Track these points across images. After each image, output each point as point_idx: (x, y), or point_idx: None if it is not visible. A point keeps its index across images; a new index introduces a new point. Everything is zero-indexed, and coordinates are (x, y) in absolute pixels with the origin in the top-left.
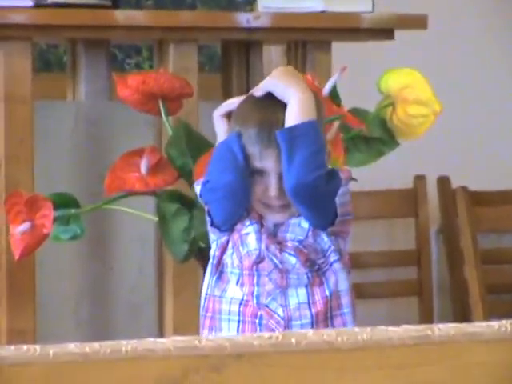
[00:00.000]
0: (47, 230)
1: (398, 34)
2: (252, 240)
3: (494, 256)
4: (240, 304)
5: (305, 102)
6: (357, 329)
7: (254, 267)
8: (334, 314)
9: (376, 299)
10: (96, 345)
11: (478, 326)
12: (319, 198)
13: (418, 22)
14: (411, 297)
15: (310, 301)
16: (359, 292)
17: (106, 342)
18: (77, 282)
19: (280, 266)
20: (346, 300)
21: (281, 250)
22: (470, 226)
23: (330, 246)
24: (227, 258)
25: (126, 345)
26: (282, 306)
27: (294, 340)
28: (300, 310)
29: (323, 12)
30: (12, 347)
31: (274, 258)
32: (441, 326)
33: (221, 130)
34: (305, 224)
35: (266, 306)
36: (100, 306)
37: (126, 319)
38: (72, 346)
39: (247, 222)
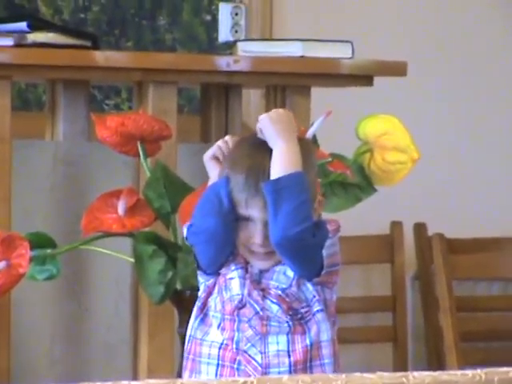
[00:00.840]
0: (23, 269)
1: (377, 80)
2: (235, 285)
3: (468, 303)
4: (219, 348)
5: (287, 152)
6: (331, 375)
7: (235, 312)
8: (314, 364)
9: (351, 344)
10: None
11: (453, 375)
12: (305, 251)
13: (398, 69)
14: (386, 343)
15: (290, 348)
16: None
17: (80, 383)
18: (52, 322)
19: (261, 312)
20: (327, 351)
21: (263, 297)
22: (446, 273)
23: (314, 296)
24: (211, 301)
25: None
26: (261, 352)
27: None
28: (279, 358)
29: (303, 57)
30: None
31: (255, 305)
32: (415, 373)
33: (212, 173)
34: (290, 273)
35: (245, 351)
36: (75, 345)
37: (101, 360)
38: None
39: (232, 267)
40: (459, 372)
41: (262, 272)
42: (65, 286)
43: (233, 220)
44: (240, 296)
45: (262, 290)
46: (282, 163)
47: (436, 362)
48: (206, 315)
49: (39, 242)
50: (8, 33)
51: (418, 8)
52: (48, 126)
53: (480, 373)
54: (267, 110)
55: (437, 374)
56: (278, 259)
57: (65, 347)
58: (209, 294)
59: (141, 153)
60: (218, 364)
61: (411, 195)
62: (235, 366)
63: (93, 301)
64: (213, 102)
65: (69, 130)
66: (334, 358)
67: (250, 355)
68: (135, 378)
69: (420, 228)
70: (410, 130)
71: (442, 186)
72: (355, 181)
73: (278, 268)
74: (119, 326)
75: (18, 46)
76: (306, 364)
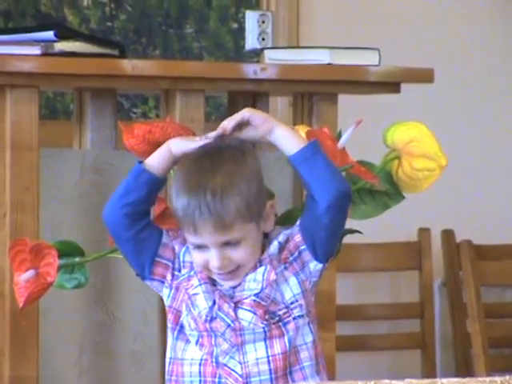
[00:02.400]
0: (52, 278)
1: (404, 87)
2: (201, 300)
3: (497, 310)
4: (199, 364)
5: (290, 129)
6: (360, 382)
7: (209, 327)
8: (294, 370)
9: (379, 351)
10: None
11: (482, 381)
12: (346, 214)
13: (425, 76)
14: (414, 349)
15: (269, 354)
16: (362, 344)
17: None
18: (80, 331)
19: (232, 324)
20: (305, 354)
21: (236, 308)
22: (474, 279)
23: (296, 300)
24: (184, 321)
25: None
26: (240, 363)
27: None
28: (258, 366)
29: (330, 64)
30: None
31: (225, 318)
32: (444, 380)
33: (157, 157)
34: (259, 277)
35: (225, 364)
36: (103, 354)
37: (130, 368)
38: None
39: (195, 283)
40: (488, 378)
41: (233, 287)
42: (93, 294)
43: (140, 219)
44: (206, 309)
45: (237, 302)
46: (294, 137)
47: (464, 368)
48: (180, 333)
49: (67, 250)
50: (35, 42)
51: (445, 15)
52: (75, 135)
53: (509, 379)
54: (294, 117)
55: (465, 380)
56: (245, 272)
57: (93, 356)
58: (177, 314)
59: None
60: (200, 381)
61: (439, 202)
62: (216, 380)
63: (121, 309)
64: (240, 109)
65: (96, 139)
66: (315, 360)
67: (229, 367)
68: None
69: (448, 235)
70: (437, 136)
71: (469, 193)
72: (383, 188)
73: (247, 278)
74: (148, 335)
75: (45, 55)
76: (286, 371)
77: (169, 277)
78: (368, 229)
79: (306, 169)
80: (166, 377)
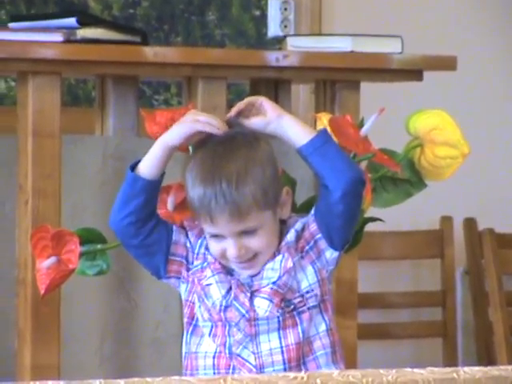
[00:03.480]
0: (73, 265)
1: (426, 74)
2: (214, 291)
3: None
4: (214, 357)
5: (297, 119)
6: (382, 370)
7: (223, 317)
8: (307, 360)
9: (400, 339)
10: (120, 382)
11: (504, 370)
12: (360, 200)
13: (447, 64)
14: (436, 338)
15: (283, 344)
16: (384, 332)
17: (130, 379)
18: (102, 318)
19: (247, 315)
20: (318, 344)
21: (252, 297)
22: (496, 267)
23: (312, 290)
24: (197, 313)
25: (151, 382)
26: (253, 353)
27: (319, 380)
28: (272, 356)
29: (352, 52)
30: (37, 383)
31: (240, 308)
32: (466, 368)
33: (157, 158)
34: (277, 266)
35: (238, 355)
36: (124, 342)
37: (151, 356)
38: (96, 383)
39: (208, 273)
40: (510, 367)
41: (252, 276)
42: (115, 281)
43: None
44: (220, 299)
45: (255, 291)
46: (303, 126)
47: (486, 356)
48: (195, 327)
49: (89, 237)
50: (57, 29)
51: (468, 2)
52: (97, 122)
53: None
54: (317, 104)
55: (487, 369)
56: (263, 260)
57: (115, 344)
58: (193, 307)
59: (190, 148)
60: (214, 373)
61: (461, 190)
62: (230, 371)
63: (142, 297)
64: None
65: (118, 126)
66: (332, 349)
67: (243, 358)
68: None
69: (470, 223)
70: (460, 124)
71: (492, 181)
72: (405, 176)
73: (266, 266)
74: (169, 322)
75: (67, 41)
76: (300, 361)
77: (184, 273)
78: (390, 217)
79: (318, 158)
80: (183, 371)
